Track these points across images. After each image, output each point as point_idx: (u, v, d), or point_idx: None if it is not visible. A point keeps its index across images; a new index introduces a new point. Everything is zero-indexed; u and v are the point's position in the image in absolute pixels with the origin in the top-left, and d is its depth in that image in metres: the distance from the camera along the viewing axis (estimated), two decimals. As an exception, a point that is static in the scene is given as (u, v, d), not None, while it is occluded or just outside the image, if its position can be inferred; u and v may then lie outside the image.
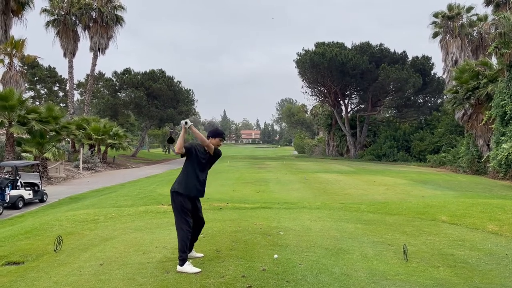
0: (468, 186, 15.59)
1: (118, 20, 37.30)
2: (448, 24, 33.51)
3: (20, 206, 13.89)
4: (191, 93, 52.37)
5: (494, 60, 24.08)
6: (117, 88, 47.57)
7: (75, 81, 45.70)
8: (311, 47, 44.89)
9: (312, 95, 49.67)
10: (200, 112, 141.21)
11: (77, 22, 36.17)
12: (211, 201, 9.86)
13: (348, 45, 43.53)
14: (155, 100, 46.41)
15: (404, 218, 7.87)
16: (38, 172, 16.89)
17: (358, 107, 50.01)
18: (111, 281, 4.02)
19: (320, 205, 9.66)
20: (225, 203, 9.70)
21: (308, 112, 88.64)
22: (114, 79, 47.14)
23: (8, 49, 29.77)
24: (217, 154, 4.65)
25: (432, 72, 42.63)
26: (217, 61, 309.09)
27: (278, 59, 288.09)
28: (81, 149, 30.03)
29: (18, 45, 30.23)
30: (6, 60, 30.19)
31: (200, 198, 4.68)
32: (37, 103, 49.22)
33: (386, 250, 5.36)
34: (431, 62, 42.42)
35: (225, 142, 5.58)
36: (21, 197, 14.07)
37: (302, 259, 4.75)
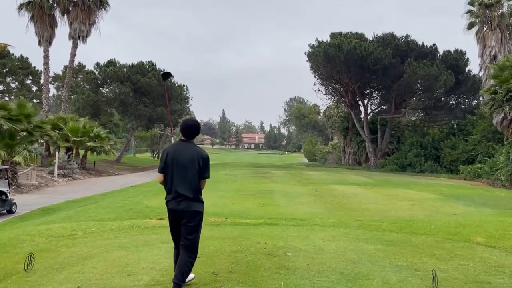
0: (508, 203, 15.53)
1: (102, 4, 37.55)
2: (486, 13, 33.51)
3: (-15, 217, 13.93)
4: (185, 90, 52.64)
5: (539, 56, 24.06)
6: (99, 82, 47.85)
7: (51, 74, 46.03)
8: (326, 38, 45.04)
9: (326, 94, 49.79)
10: (196, 111, 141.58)
11: (55, 5, 36.44)
12: (207, 215, 9.84)
13: (369, 36, 43.71)
14: (143, 97, 46.61)
15: (432, 239, 7.86)
16: (6, 179, 16.97)
17: (379, 109, 50.00)
18: (90, 307, 4.03)
19: (334, 222, 9.68)
20: (223, 218, 9.74)
21: (321, 114, 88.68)
22: (96, 72, 47.43)
23: (-26, 36, 30.01)
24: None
25: (467, 69, 42.66)
26: (216, 54, 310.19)
27: (287, 52, 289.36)
28: (57, 152, 30.15)
29: (-14, 31, 30.52)
30: (-29, 49, 30.47)
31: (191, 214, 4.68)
32: (7, 98, 49.56)
33: (412, 276, 5.35)
34: (466, 58, 42.46)
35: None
36: (-14, 207, 14.11)
37: (313, 285, 4.75)
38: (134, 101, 45.87)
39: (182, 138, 4.75)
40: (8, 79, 52.67)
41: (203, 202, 4.66)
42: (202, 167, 4.57)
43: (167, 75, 5.69)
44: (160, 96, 46.78)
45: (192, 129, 4.73)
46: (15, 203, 15.73)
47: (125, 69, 46.51)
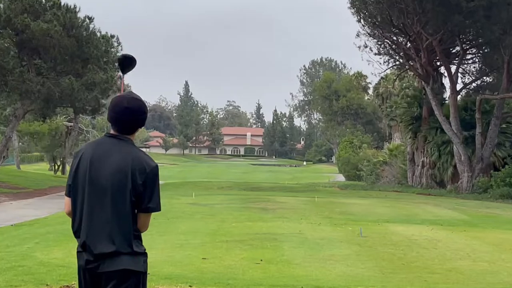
0: None
1: None
2: None
3: None
4: (115, 45, 52.52)
5: None
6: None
7: None
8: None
9: (379, 54, 49.96)
10: (134, 86, 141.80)
11: None
12: (154, 279, 9.86)
13: None
14: (36, 58, 46.54)
15: None
16: None
17: (479, 83, 50.13)
18: None
19: (393, 293, 9.69)
20: (185, 286, 9.75)
21: (370, 91, 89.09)
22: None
23: None
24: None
25: None
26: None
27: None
28: None
29: None
30: None
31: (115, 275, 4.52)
32: None
33: None
34: None
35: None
36: None
37: None
38: (19, 65, 45.80)
39: (111, 131, 4.54)
40: None
41: (144, 255, 4.54)
42: (142, 189, 4.34)
43: (127, 62, 5.35)
44: (68, 56, 46.72)
45: (130, 114, 4.46)
46: None
47: (1, 6, 46.44)
